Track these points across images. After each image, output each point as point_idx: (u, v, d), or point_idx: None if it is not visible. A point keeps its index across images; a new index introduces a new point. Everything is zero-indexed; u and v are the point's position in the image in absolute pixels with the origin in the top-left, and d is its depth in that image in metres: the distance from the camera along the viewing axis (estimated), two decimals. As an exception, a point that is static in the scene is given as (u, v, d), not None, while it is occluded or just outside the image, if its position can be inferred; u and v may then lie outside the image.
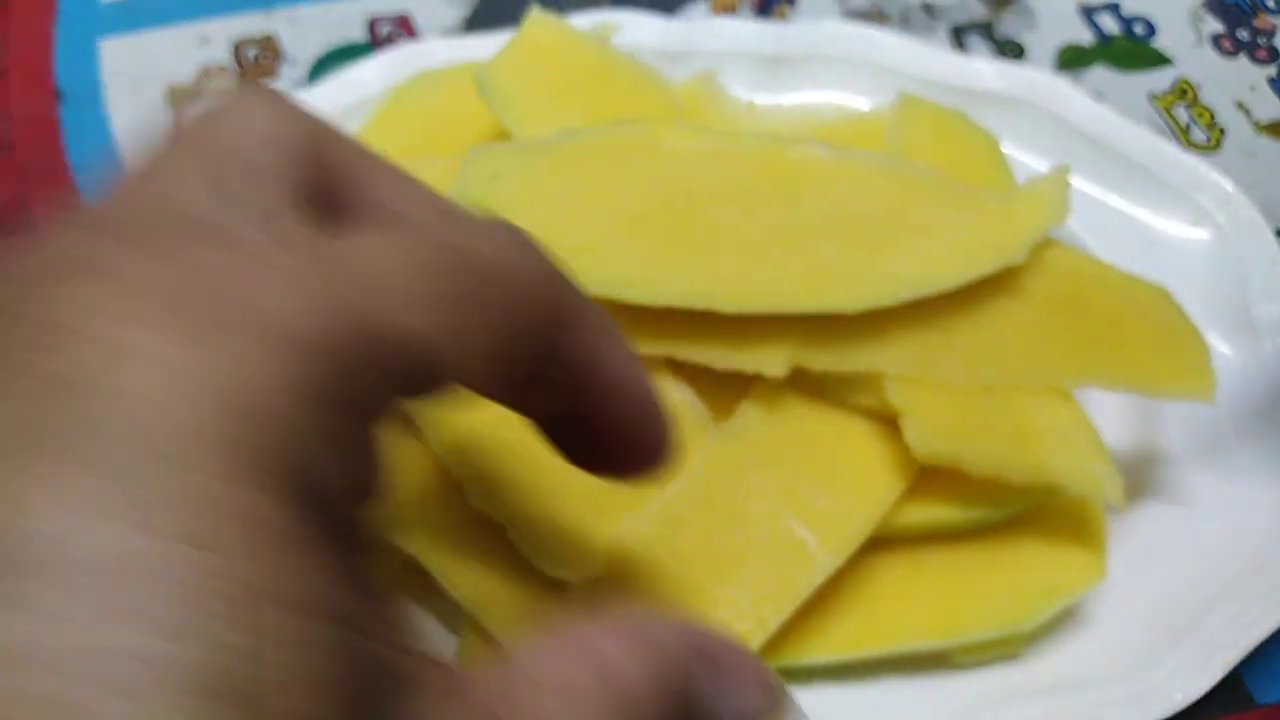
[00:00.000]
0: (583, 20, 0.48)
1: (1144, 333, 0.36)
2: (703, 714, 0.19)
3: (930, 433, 0.34)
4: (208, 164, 0.18)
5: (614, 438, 0.24)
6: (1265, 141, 0.52)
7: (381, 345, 0.17)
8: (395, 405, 0.18)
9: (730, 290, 0.34)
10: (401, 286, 0.18)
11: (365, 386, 0.17)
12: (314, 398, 0.16)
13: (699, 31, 0.48)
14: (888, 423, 0.35)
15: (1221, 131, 0.52)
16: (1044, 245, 0.36)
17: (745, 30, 0.48)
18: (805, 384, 0.36)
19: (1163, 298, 0.37)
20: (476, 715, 0.17)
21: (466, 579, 0.34)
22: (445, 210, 0.21)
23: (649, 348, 0.34)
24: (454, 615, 0.35)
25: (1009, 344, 0.35)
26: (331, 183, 0.20)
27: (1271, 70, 0.55)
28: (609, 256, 0.34)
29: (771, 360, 0.35)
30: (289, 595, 0.14)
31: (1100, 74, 0.54)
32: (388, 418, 0.18)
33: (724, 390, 0.35)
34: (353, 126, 0.45)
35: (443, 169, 0.41)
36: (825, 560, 0.33)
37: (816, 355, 0.35)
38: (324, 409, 0.16)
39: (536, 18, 0.42)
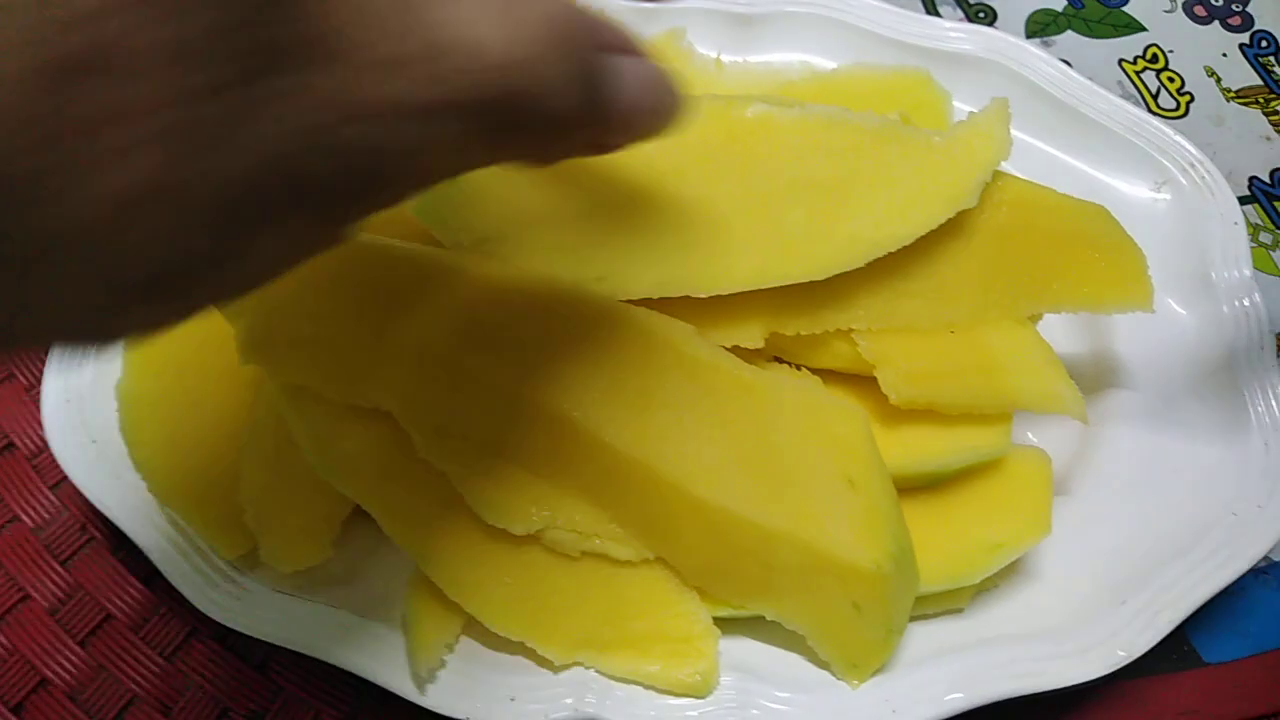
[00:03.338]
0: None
1: (1087, 251, 0.37)
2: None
3: (904, 379, 0.35)
4: None
5: None
6: (1235, 108, 0.52)
7: None
8: None
9: (701, 275, 0.34)
10: None
11: None
12: None
13: (668, -12, 0.47)
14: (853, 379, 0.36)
15: (1190, 97, 0.52)
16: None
17: (715, -13, 0.48)
18: (778, 347, 0.37)
19: (1101, 214, 0.37)
20: None
21: (411, 528, 0.34)
22: None
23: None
24: (403, 564, 0.35)
25: (966, 281, 0.36)
26: None
27: (1244, 37, 0.54)
28: (579, 254, 0.35)
29: (748, 333, 0.35)
30: None
31: (1071, 39, 0.54)
32: None
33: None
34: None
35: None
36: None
37: (789, 322, 0.36)
38: None
39: None
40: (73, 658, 0.38)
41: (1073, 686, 0.33)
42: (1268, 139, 0.51)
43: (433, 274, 0.34)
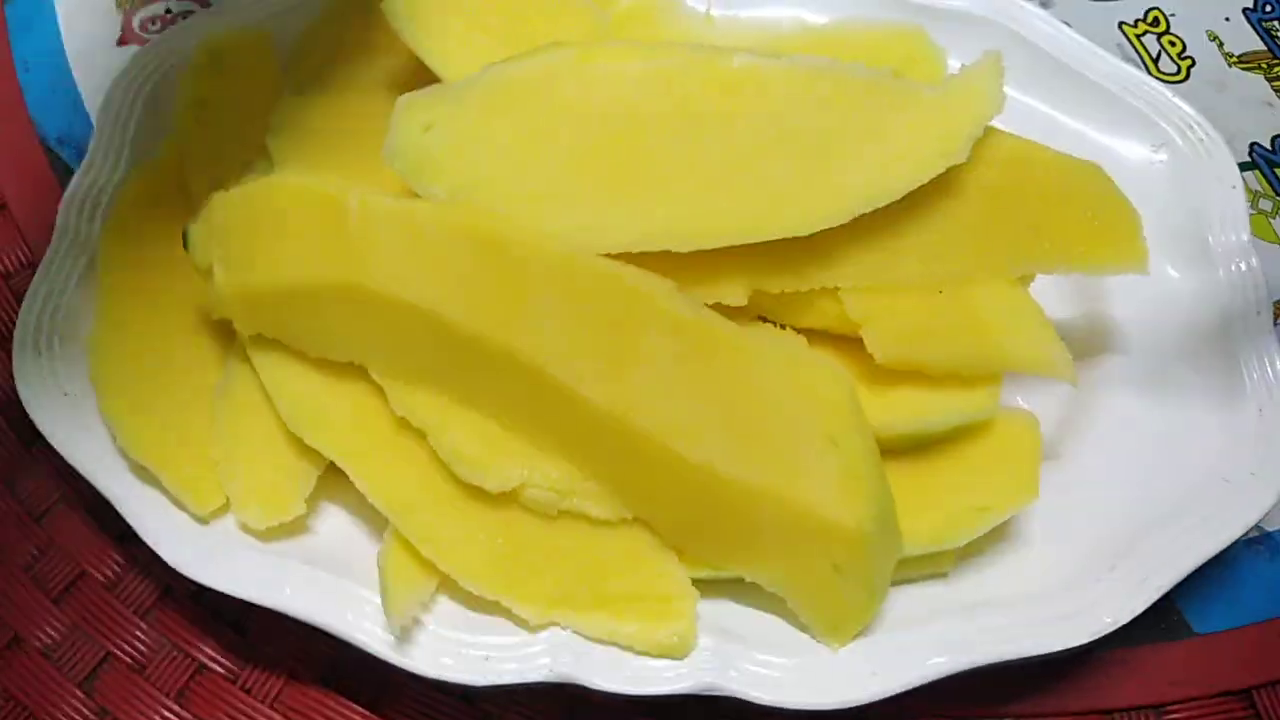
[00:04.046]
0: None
1: (1080, 210, 0.36)
2: None
3: (890, 339, 0.34)
4: None
5: None
6: (1237, 73, 0.51)
7: None
8: None
9: (684, 229, 0.34)
10: None
11: None
12: None
13: (658, -58, 0.46)
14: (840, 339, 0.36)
15: (1191, 62, 0.51)
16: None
17: (705, -58, 0.46)
18: (761, 305, 0.36)
19: (1095, 173, 0.36)
20: None
21: (386, 484, 0.33)
22: None
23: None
24: (378, 521, 0.34)
25: (956, 240, 0.35)
26: None
27: (1248, 1, 0.53)
28: (559, 205, 0.34)
29: (731, 290, 0.35)
30: None
31: (1070, 1, 0.53)
32: None
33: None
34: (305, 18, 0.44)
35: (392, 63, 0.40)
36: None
37: (773, 279, 0.35)
38: None
39: None
40: (46, 616, 0.37)
41: (1058, 653, 0.32)
42: (1269, 105, 0.50)
43: (406, 225, 0.33)
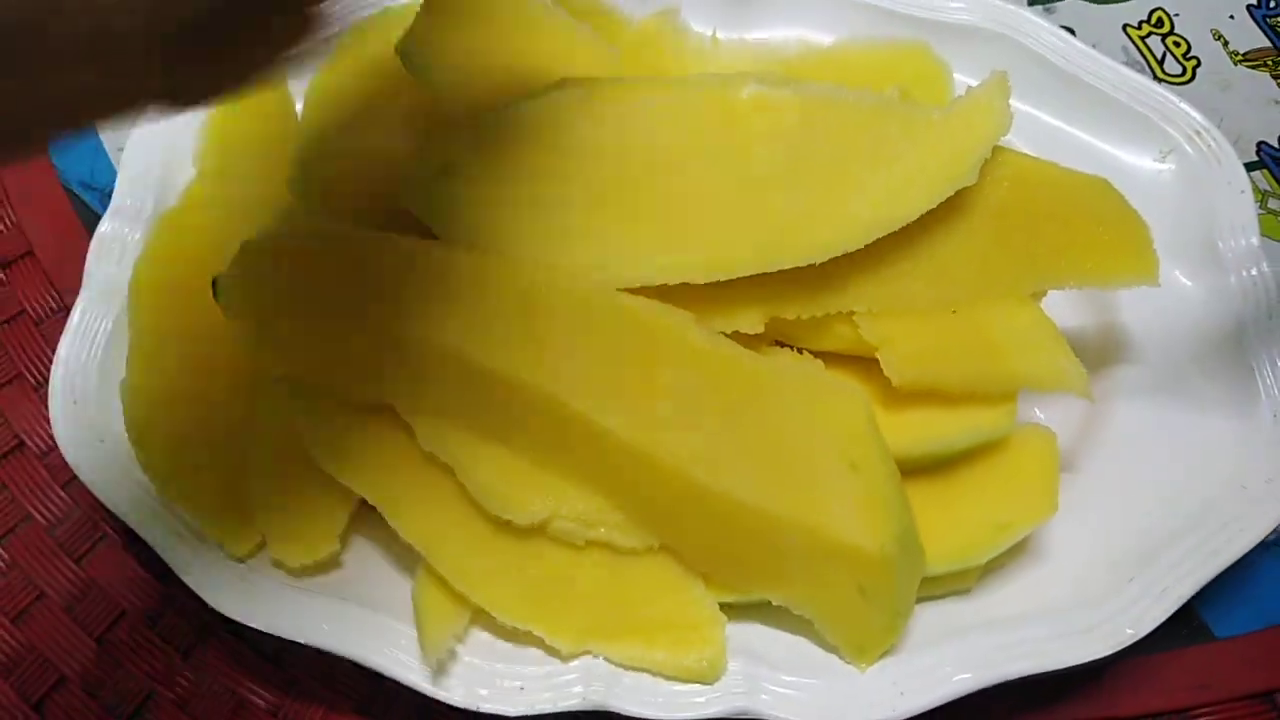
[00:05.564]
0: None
1: (1090, 226, 0.36)
2: None
3: (905, 361, 0.35)
4: None
5: None
6: (1242, 72, 0.51)
7: None
8: None
9: (700, 261, 0.34)
10: None
11: None
12: None
13: (662, -35, 0.47)
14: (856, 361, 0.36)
15: (1196, 62, 0.51)
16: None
17: (709, -36, 0.47)
18: (779, 330, 0.36)
19: (1103, 187, 0.37)
20: None
21: (417, 520, 0.34)
22: None
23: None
24: (410, 556, 0.35)
25: (967, 261, 0.36)
26: None
27: (1252, -2, 0.53)
28: (577, 242, 0.34)
29: (747, 318, 0.35)
30: None
31: (1073, 5, 0.53)
32: None
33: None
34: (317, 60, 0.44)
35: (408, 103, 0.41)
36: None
37: (789, 306, 0.36)
38: None
39: None
40: (90, 654, 0.38)
41: (1081, 665, 0.33)
42: (1277, 102, 0.50)
43: (429, 267, 0.34)
